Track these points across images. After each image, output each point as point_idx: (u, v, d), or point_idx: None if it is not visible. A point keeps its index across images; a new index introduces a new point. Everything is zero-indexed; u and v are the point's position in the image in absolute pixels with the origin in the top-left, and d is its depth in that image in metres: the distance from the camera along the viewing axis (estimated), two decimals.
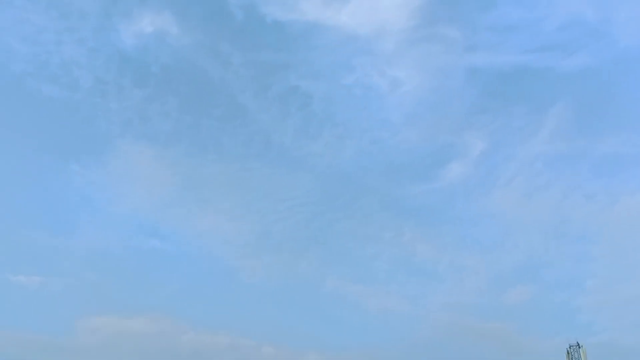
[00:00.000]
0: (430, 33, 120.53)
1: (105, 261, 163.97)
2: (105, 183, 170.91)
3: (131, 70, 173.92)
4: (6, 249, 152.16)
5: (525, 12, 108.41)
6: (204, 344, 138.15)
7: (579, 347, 44.52)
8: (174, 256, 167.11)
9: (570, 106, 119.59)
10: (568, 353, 44.86)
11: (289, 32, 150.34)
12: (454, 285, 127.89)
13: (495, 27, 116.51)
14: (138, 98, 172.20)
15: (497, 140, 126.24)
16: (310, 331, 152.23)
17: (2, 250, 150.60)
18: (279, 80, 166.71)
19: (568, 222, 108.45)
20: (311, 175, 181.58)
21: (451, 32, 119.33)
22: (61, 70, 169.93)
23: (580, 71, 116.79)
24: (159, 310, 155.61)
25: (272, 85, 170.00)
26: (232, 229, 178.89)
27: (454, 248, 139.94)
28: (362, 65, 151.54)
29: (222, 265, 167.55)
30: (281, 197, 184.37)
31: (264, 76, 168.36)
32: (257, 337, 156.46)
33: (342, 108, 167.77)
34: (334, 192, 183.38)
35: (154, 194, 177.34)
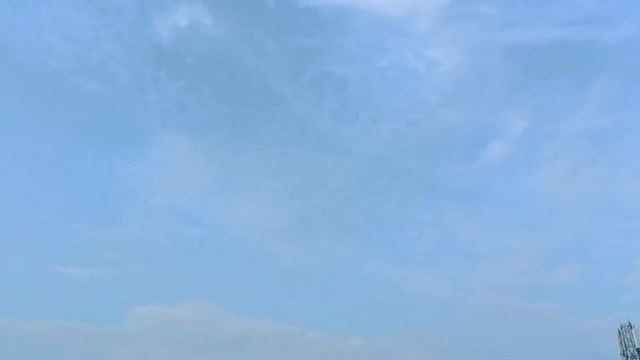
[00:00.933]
0: (466, 10, 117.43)
1: (149, 251, 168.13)
2: (146, 174, 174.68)
3: (167, 63, 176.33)
4: (56, 243, 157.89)
5: None
6: (249, 330, 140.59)
7: (631, 328, 43.36)
8: (215, 244, 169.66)
9: (615, 79, 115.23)
10: (620, 334, 43.71)
11: (321, 17, 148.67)
12: (498, 265, 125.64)
13: (533, 1, 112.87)
14: (175, 90, 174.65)
15: (539, 117, 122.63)
16: (352, 315, 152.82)
17: (52, 244, 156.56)
18: (313, 66, 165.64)
19: (615, 198, 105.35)
20: (348, 159, 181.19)
21: (487, 9, 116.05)
22: (100, 65, 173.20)
23: (624, 43, 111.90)
24: (203, 298, 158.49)
25: (307, 71, 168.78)
26: (271, 215, 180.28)
27: (497, 228, 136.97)
28: (396, 47, 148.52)
29: (262, 252, 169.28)
30: (319, 182, 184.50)
31: (298, 62, 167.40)
32: (301, 322, 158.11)
33: (378, 91, 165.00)
34: (371, 175, 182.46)
35: (193, 183, 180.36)
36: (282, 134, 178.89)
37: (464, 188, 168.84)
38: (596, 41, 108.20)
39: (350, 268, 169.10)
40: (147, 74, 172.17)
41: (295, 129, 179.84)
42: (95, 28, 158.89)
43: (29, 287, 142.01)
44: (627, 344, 43.32)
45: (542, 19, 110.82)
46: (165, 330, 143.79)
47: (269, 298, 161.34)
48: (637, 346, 42.83)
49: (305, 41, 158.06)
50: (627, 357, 43.07)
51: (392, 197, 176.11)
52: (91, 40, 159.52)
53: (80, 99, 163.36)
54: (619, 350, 43.67)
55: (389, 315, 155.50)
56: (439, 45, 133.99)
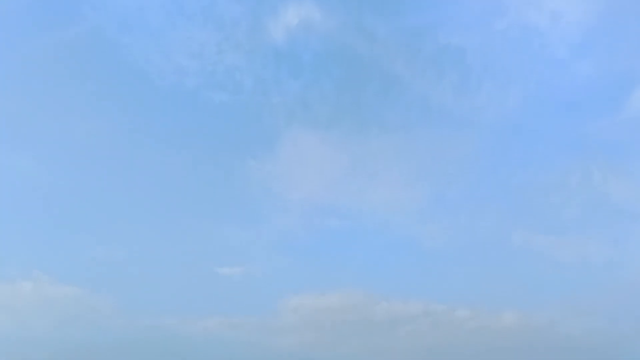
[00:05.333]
0: None
1: (292, 245, 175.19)
2: (279, 173, 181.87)
3: (285, 63, 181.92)
4: (209, 246, 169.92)
5: None
6: (397, 312, 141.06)
7: None
8: (354, 232, 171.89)
9: None
10: None
11: None
12: None
13: None
14: (296, 89, 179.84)
15: None
16: (503, 290, 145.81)
17: (207, 248, 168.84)
18: (428, 42, 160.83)
19: None
20: (477, 131, 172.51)
21: None
22: (226, 77, 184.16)
23: None
24: (350, 285, 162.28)
25: (422, 48, 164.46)
26: (405, 198, 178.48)
27: None
28: (514, 6, 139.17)
29: (401, 234, 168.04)
30: (449, 159, 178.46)
31: (411, 41, 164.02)
32: (450, 301, 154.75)
33: (500, 55, 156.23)
34: (504, 144, 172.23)
35: (325, 176, 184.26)
36: (405, 116, 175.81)
37: (610, 143, 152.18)
38: None
39: (495, 242, 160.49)
40: (268, 77, 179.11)
41: (418, 109, 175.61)
42: (217, 42, 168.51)
43: (192, 289, 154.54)
44: None
45: None
46: (318, 319, 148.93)
47: (414, 279, 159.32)
48: None
49: (415, 19, 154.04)
50: None
51: (531, 163, 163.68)
52: (215, 54, 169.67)
53: (212, 111, 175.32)
54: None
55: (543, 287, 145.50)
56: None
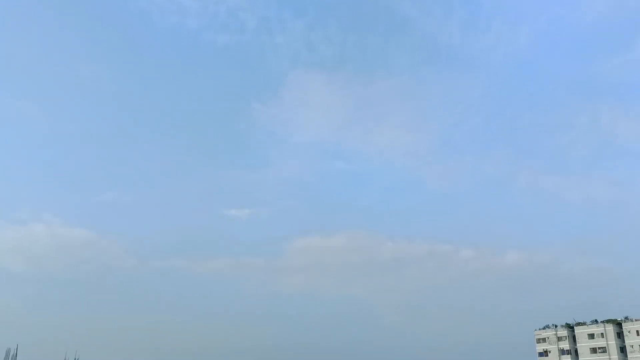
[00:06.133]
0: None
1: (299, 188, 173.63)
2: (284, 116, 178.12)
3: (289, 3, 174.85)
4: (217, 189, 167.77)
5: None
6: (403, 252, 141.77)
7: None
8: (359, 174, 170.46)
9: None
10: None
11: None
12: None
13: None
14: (301, 28, 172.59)
15: None
16: (508, 230, 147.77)
17: (214, 190, 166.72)
18: None
19: None
20: (486, 71, 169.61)
21: None
22: (229, 17, 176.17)
23: None
24: (355, 226, 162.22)
25: None
26: (411, 140, 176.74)
27: None
28: None
29: (407, 176, 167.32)
30: (456, 100, 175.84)
31: None
32: (455, 241, 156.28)
33: None
34: (513, 84, 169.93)
35: (330, 119, 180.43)
36: (412, 57, 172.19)
37: (620, 83, 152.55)
38: None
39: (501, 183, 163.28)
40: (272, 16, 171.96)
41: (425, 49, 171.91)
42: None
43: (200, 231, 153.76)
44: None
45: None
46: (324, 260, 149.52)
47: (419, 220, 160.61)
48: None
49: None
50: None
51: (539, 104, 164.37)
52: None
53: (214, 53, 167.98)
54: None
55: (548, 226, 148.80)
56: None
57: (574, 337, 71.24)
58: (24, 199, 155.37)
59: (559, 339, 71.97)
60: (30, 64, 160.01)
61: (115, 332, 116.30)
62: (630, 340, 66.84)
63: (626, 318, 68.51)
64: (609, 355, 66.98)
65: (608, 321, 69.03)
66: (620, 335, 67.96)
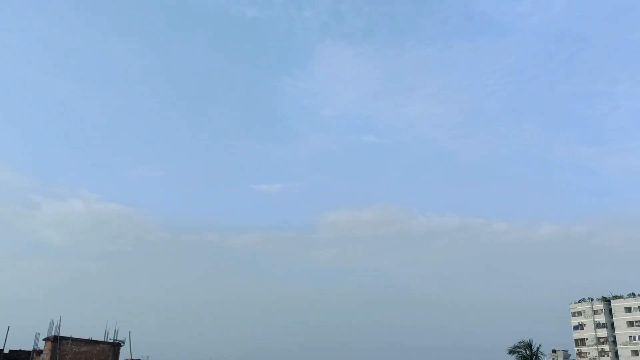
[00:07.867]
0: None
1: (329, 162, 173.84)
2: (314, 89, 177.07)
3: None
4: (246, 164, 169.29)
5: None
6: (434, 225, 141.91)
7: None
8: (391, 147, 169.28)
9: None
10: None
11: None
12: None
13: None
14: (329, 0, 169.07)
15: None
16: (542, 202, 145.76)
17: (244, 166, 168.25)
18: None
19: None
20: (520, 39, 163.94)
21: None
22: None
23: None
24: (387, 200, 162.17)
25: None
26: (442, 112, 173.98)
27: None
28: None
29: (438, 149, 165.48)
30: (489, 70, 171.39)
31: None
32: (487, 214, 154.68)
33: None
34: (549, 52, 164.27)
35: (360, 91, 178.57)
36: (444, 26, 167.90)
37: None
38: None
39: (535, 154, 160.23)
40: None
41: (458, 17, 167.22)
42: None
43: (232, 206, 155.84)
44: None
45: None
46: (356, 233, 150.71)
47: (450, 194, 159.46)
48: None
49: None
50: None
51: (576, 72, 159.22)
52: None
53: (244, 27, 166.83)
54: None
55: (584, 198, 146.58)
56: None
57: (610, 311, 70.75)
58: (63, 175, 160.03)
59: (595, 312, 71.63)
60: (64, 42, 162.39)
61: (150, 305, 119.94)
62: None
63: None
64: None
65: None
66: None
